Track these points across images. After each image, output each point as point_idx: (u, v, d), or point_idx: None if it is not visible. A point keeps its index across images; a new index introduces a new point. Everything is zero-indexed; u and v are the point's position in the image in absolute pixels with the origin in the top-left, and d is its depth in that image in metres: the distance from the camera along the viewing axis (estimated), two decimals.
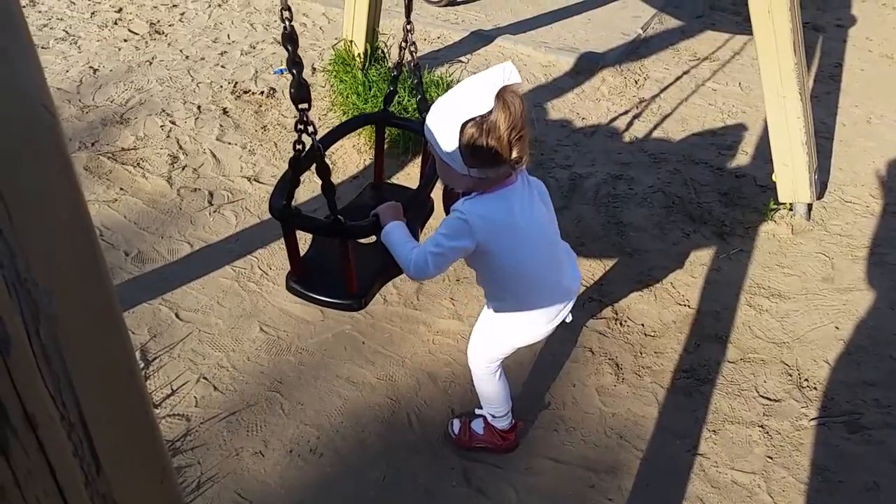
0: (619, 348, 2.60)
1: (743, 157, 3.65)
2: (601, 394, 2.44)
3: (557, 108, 4.06)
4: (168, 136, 3.69)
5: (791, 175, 3.08)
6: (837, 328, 2.67)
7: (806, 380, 2.48)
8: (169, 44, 4.62)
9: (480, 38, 4.68)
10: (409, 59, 2.13)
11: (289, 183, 1.77)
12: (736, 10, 5.30)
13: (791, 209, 3.19)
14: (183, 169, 3.47)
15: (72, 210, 0.54)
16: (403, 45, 2.11)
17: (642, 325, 2.70)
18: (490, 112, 1.55)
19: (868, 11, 5.37)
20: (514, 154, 1.61)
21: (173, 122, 3.80)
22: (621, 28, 4.89)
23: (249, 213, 3.23)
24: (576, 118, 3.98)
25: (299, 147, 1.67)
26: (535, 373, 2.51)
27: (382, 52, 3.95)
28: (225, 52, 4.54)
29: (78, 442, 0.55)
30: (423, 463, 2.21)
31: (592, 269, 2.93)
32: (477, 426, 2.26)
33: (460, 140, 1.58)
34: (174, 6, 5.18)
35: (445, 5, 5.15)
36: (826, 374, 2.49)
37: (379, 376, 2.48)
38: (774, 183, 3.17)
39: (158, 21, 4.92)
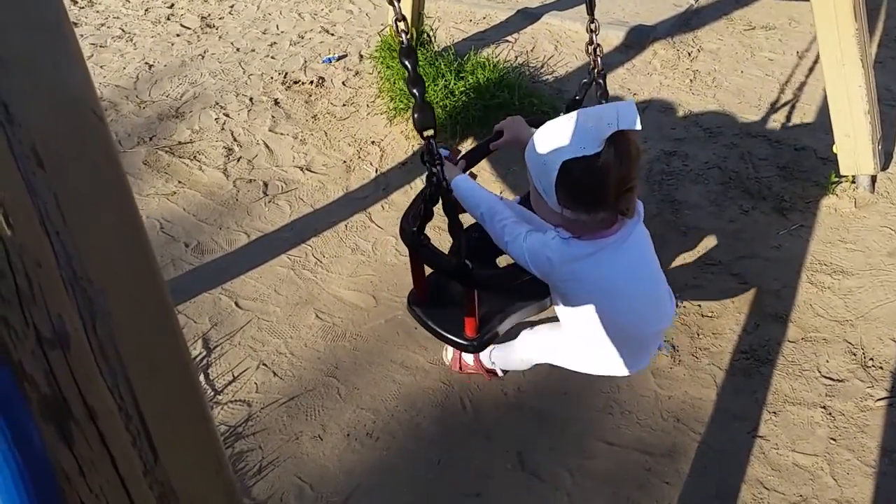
0: (674, 329, 2.56)
1: (802, 130, 3.52)
2: (656, 376, 2.41)
3: (608, 85, 3.97)
4: (222, 129, 3.78)
5: (853, 146, 2.96)
6: None
7: (871, 359, 2.39)
8: (220, 37, 4.71)
9: (527, 17, 4.62)
10: (594, 66, 1.95)
11: (421, 210, 1.69)
12: None
13: (853, 182, 3.07)
14: (238, 161, 3.54)
15: (122, 210, 0.57)
16: (590, 48, 1.91)
17: (699, 305, 2.64)
18: (598, 155, 1.38)
19: None
20: (620, 205, 1.46)
21: (227, 115, 3.88)
22: None
23: (303, 203, 3.28)
24: (627, 94, 3.90)
25: (434, 180, 1.56)
26: None
27: (428, 35, 3.94)
28: (274, 42, 4.60)
29: (136, 433, 0.58)
30: (477, 446, 2.23)
31: None
32: (468, 358, 2.40)
33: (558, 176, 1.42)
34: None
35: None
36: (893, 353, 2.40)
37: (432, 361, 2.50)
38: (835, 155, 3.05)
39: (209, 15, 5.01)
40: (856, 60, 2.75)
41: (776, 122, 3.59)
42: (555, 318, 1.88)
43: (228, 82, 4.17)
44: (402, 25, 1.38)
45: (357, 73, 4.20)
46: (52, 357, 0.51)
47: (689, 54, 4.23)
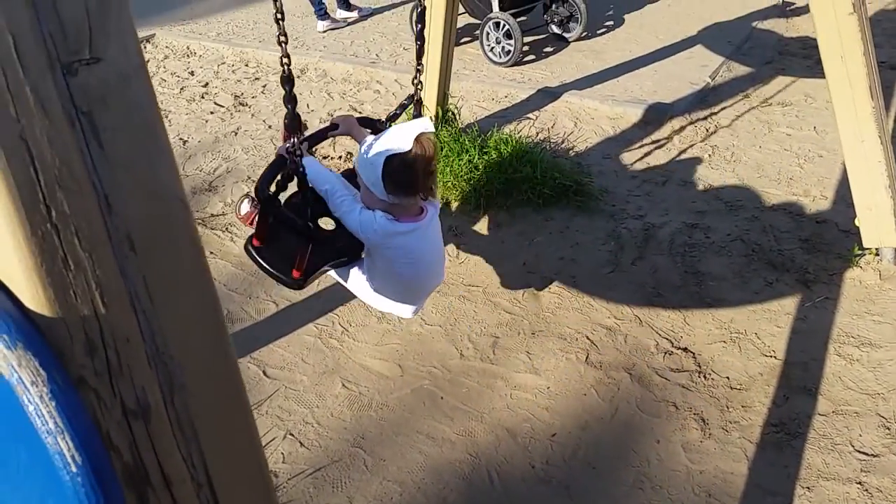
0: (704, 402, 2.54)
1: (823, 203, 3.56)
2: (687, 450, 2.38)
3: (627, 160, 4.08)
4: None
5: (875, 219, 2.99)
6: None
7: None
8: (252, 115, 4.91)
9: (547, 95, 4.77)
10: (416, 96, 2.50)
11: (280, 179, 2.07)
12: (806, 53, 5.24)
13: (877, 254, 3.08)
14: None
15: (202, 290, 0.62)
16: (414, 82, 2.47)
17: (727, 378, 2.63)
18: (410, 150, 1.92)
19: None
20: (428, 183, 2.03)
21: None
22: (689, 77, 4.90)
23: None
24: (646, 168, 3.98)
25: (297, 158, 2.00)
26: (617, 429, 2.48)
27: (453, 113, 4.08)
28: (305, 120, 4.77)
29: (205, 500, 0.61)
30: None
31: (672, 320, 2.89)
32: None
33: (383, 170, 1.93)
34: (256, 79, 5.51)
35: (512, 65, 5.29)
36: None
37: (458, 432, 2.50)
38: (857, 228, 3.08)
39: (242, 94, 5.23)
40: (874, 137, 2.81)
41: (796, 195, 3.64)
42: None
43: (260, 157, 4.32)
44: (285, 60, 1.92)
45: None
46: (135, 427, 0.55)
47: (707, 130, 4.33)
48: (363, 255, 2.32)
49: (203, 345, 0.61)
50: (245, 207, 2.51)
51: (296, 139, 1.98)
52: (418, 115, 2.50)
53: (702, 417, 2.49)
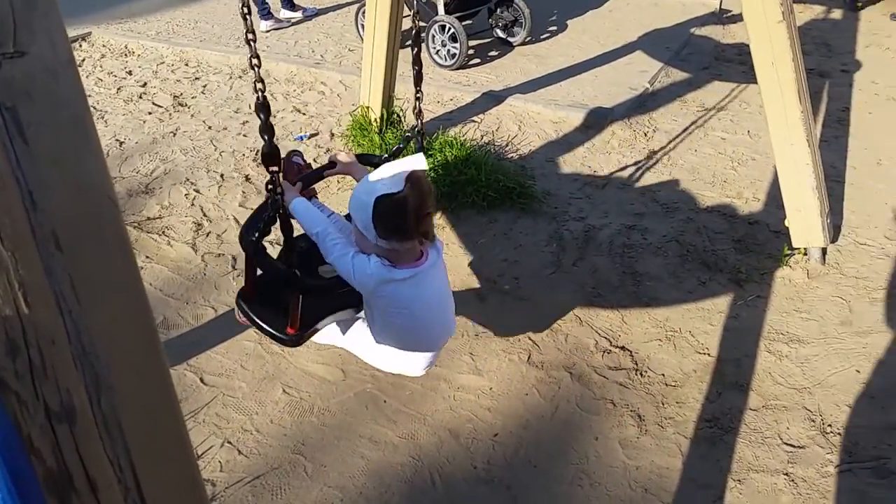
0: (640, 399, 2.61)
1: (755, 204, 3.69)
2: (624, 446, 2.44)
3: (569, 163, 4.15)
4: (192, 204, 3.81)
5: (804, 220, 3.12)
6: (858, 371, 2.66)
7: (829, 425, 2.46)
8: (192, 115, 4.81)
9: (492, 99, 4.82)
10: (418, 126, 2.38)
11: (262, 223, 1.95)
12: (742, 59, 5.42)
13: (805, 254, 3.22)
14: (207, 235, 3.57)
15: (131, 291, 0.61)
16: (414, 112, 2.36)
17: (663, 375, 2.71)
18: (401, 191, 1.79)
19: (872, 56, 5.46)
20: (421, 228, 1.85)
21: (197, 191, 3.93)
22: (629, 83, 5.02)
23: None
24: (587, 171, 4.06)
25: (276, 203, 1.87)
26: (557, 427, 2.52)
27: (398, 115, 4.08)
28: (247, 121, 4.71)
29: None
30: None
31: (610, 320, 2.96)
32: None
33: (373, 212, 1.81)
34: (197, 79, 5.40)
35: (457, 68, 5.32)
36: (849, 419, 2.48)
37: (401, 435, 2.50)
38: (787, 228, 3.21)
39: (181, 94, 5.12)
40: (803, 141, 2.93)
41: (730, 197, 3.77)
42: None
43: (200, 159, 4.24)
44: (259, 86, 1.75)
45: (328, 150, 4.31)
46: (58, 430, 0.54)
47: (646, 134, 4.44)
48: (363, 307, 2.15)
49: (131, 345, 0.60)
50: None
51: (277, 176, 1.80)
52: (421, 147, 2.36)
53: (638, 414, 2.55)
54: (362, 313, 2.21)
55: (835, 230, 3.35)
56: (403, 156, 2.33)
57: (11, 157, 0.53)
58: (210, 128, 4.63)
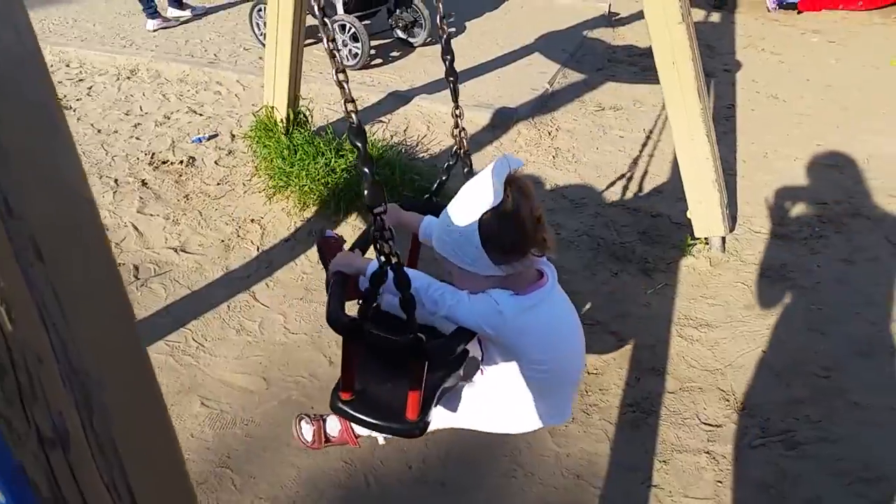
0: None
1: (656, 198, 3.86)
2: (554, 435, 2.48)
3: (480, 162, 4.18)
4: None
5: (704, 211, 3.29)
6: (764, 352, 2.83)
7: (742, 403, 2.61)
8: (78, 118, 4.51)
9: (398, 99, 4.80)
10: (459, 147, 2.01)
11: (345, 295, 1.58)
12: (632, 61, 5.66)
13: (707, 243, 3.39)
14: None
15: (115, 299, 0.55)
16: (455, 130, 1.98)
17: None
18: (504, 201, 1.48)
19: (750, 57, 5.84)
20: (539, 235, 1.54)
21: None
22: (530, 83, 5.13)
23: (179, 285, 3.15)
24: None
25: (382, 258, 1.44)
26: None
27: (304, 116, 3.99)
28: (139, 123, 4.46)
29: None
30: None
31: None
32: (332, 429, 2.18)
33: (480, 238, 1.48)
34: (80, 80, 5.07)
35: (360, 68, 5.26)
36: (759, 397, 2.64)
37: None
38: (689, 220, 3.37)
39: (65, 96, 4.79)
40: (703, 136, 3.09)
41: (632, 192, 3.92)
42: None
43: (91, 164, 3.97)
44: (350, 107, 1.41)
45: (230, 152, 4.15)
46: (52, 457, 0.48)
47: (550, 133, 4.55)
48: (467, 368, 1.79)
49: (120, 358, 0.55)
50: (307, 431, 2.17)
51: (381, 216, 1.39)
52: (470, 171, 1.99)
53: None
54: (465, 381, 1.84)
55: (732, 220, 3.55)
56: (442, 187, 2.04)
57: None
58: (99, 131, 4.36)
